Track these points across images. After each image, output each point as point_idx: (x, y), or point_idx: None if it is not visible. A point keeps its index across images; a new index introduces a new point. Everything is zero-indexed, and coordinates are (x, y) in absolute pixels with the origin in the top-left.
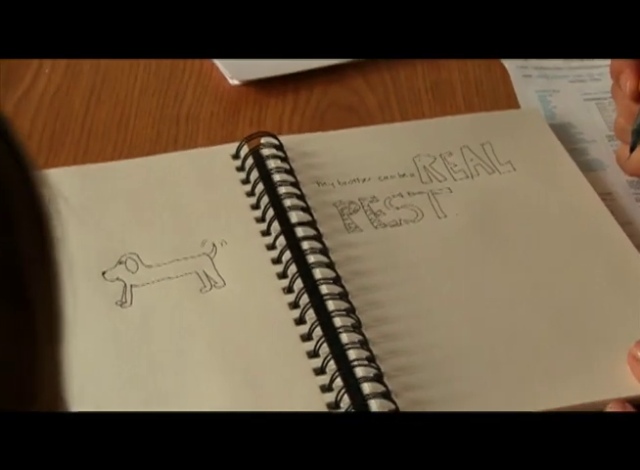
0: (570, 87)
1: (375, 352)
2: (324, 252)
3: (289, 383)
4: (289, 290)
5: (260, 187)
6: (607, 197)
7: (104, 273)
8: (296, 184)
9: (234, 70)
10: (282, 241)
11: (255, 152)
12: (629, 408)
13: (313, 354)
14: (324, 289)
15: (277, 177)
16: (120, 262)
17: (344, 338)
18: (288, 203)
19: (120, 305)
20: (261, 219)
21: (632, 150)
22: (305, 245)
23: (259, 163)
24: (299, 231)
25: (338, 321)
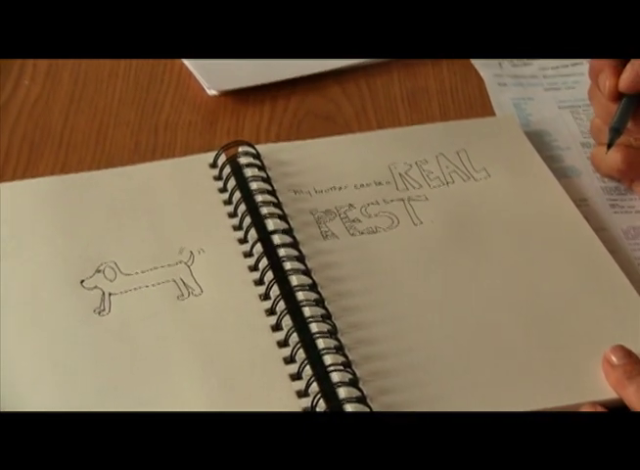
0: (544, 95)
1: (350, 357)
2: (300, 259)
3: (265, 388)
4: (265, 297)
5: (237, 195)
6: (581, 203)
7: (82, 281)
8: (272, 192)
9: (212, 80)
10: (259, 248)
11: (233, 161)
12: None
13: (290, 360)
14: (300, 296)
15: (254, 186)
16: (99, 271)
17: (321, 343)
18: (264, 211)
19: (99, 314)
20: (238, 227)
21: (609, 147)
22: (282, 252)
23: (236, 171)
24: (276, 239)
25: (314, 327)
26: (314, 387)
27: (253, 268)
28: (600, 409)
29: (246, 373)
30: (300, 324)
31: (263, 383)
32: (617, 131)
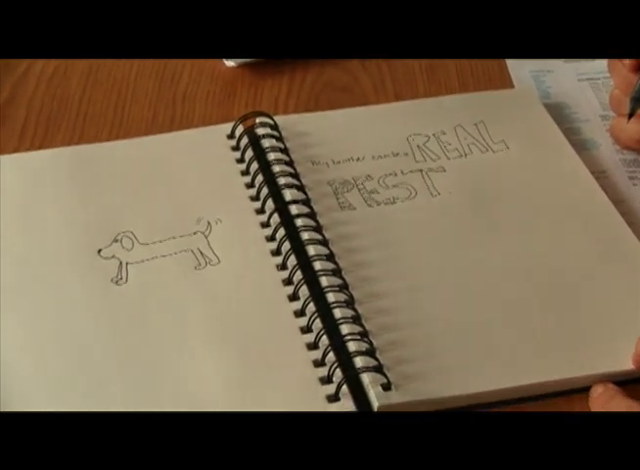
0: (564, 67)
1: (367, 327)
2: (317, 229)
3: (282, 358)
4: (282, 267)
5: (255, 166)
6: (600, 175)
7: (99, 251)
8: (290, 163)
9: None
10: (276, 219)
11: (250, 131)
12: (611, 387)
13: (306, 330)
14: (317, 265)
15: (272, 156)
16: (116, 240)
17: (337, 313)
18: (282, 181)
19: (116, 283)
20: (256, 198)
21: (631, 116)
22: (299, 222)
23: (254, 142)
24: (293, 209)
25: (331, 297)
26: (331, 356)
27: (270, 239)
28: (611, 387)
29: (263, 343)
30: (317, 294)
31: (280, 352)
32: (638, 101)
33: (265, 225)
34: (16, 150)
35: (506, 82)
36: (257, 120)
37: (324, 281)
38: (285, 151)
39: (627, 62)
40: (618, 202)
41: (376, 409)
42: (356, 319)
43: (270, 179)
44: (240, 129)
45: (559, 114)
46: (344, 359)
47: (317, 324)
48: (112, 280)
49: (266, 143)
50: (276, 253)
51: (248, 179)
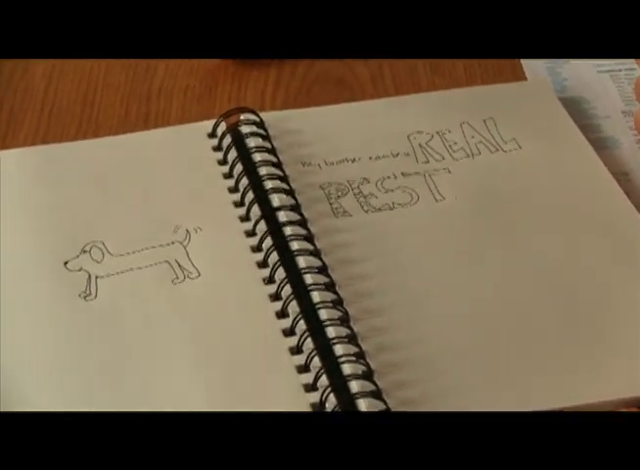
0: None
1: (364, 347)
2: (309, 238)
3: (270, 382)
4: (270, 280)
5: (239, 168)
6: (622, 177)
7: (66, 263)
8: (278, 165)
9: None
10: (262, 227)
11: (234, 130)
12: None
13: (297, 351)
14: (309, 279)
15: (257, 157)
16: (85, 251)
17: (331, 332)
18: (269, 185)
19: (84, 298)
20: (240, 203)
21: None
22: (288, 231)
23: (238, 141)
24: (282, 216)
25: (323, 314)
26: (323, 380)
27: (256, 249)
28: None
29: (248, 366)
30: (309, 311)
31: (267, 376)
32: None
33: (251, 234)
34: None
35: (518, 74)
36: (242, 117)
37: (316, 296)
38: (272, 151)
39: None
40: None
41: None
42: (351, 339)
43: (256, 183)
44: (222, 127)
45: (576, 109)
46: (339, 383)
47: (308, 344)
48: (79, 295)
49: (251, 142)
50: (262, 265)
51: (231, 183)
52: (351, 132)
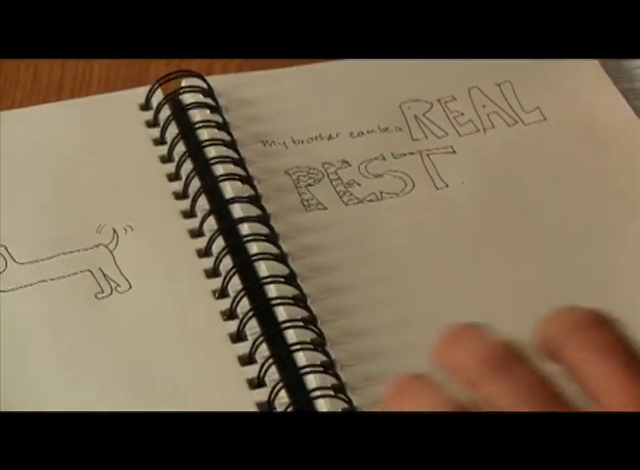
0: None
1: (344, 378)
2: (272, 239)
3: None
4: (222, 294)
5: (181, 149)
6: None
7: None
8: (231, 144)
9: None
10: (212, 224)
11: (174, 99)
12: None
13: (257, 383)
14: (272, 291)
15: (204, 134)
16: None
17: (301, 359)
18: (220, 170)
19: None
20: (182, 195)
21: None
22: (245, 229)
23: (179, 114)
24: (237, 210)
25: (292, 336)
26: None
27: (204, 253)
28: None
29: (196, 400)
30: (273, 332)
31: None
32: None
33: (197, 234)
34: None
35: None
36: (184, 83)
37: (282, 313)
38: (224, 126)
39: None
40: None
41: None
42: (328, 367)
43: (203, 168)
44: (158, 96)
45: (617, 68)
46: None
47: (273, 375)
48: None
49: (197, 116)
50: (212, 274)
51: (171, 168)
52: (326, 102)
